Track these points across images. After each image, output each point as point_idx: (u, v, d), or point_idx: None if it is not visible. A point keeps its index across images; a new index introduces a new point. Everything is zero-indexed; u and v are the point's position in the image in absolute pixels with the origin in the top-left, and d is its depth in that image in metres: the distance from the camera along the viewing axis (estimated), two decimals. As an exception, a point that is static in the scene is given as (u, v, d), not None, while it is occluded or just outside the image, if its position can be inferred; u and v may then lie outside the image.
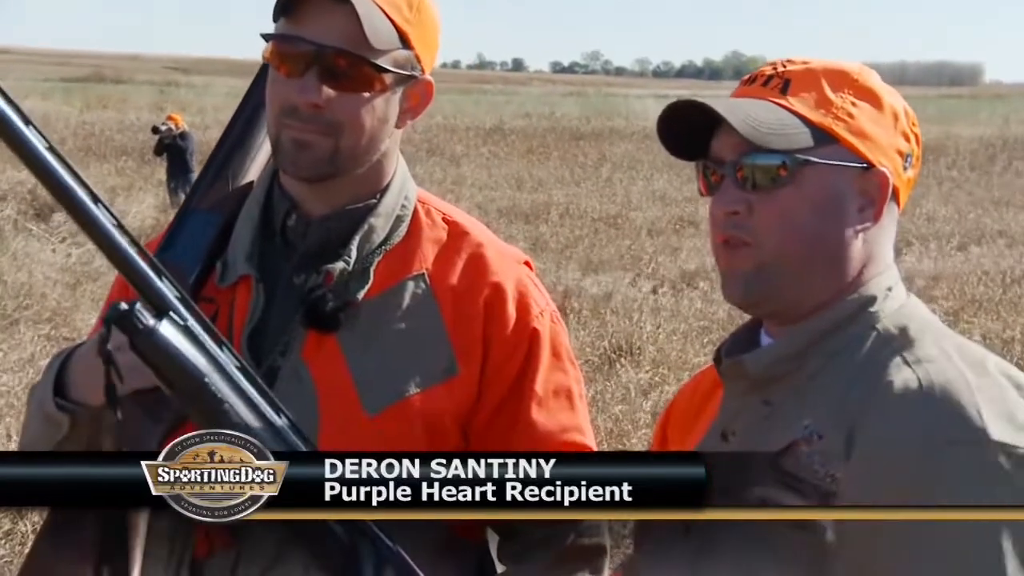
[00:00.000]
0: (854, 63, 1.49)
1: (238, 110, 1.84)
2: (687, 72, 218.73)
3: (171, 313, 1.40)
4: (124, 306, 1.36)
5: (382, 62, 1.65)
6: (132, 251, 1.38)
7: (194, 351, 1.40)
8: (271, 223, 1.75)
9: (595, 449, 1.75)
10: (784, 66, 1.47)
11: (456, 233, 1.77)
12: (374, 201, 1.73)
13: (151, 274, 1.40)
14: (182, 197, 16.15)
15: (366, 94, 1.66)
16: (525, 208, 15.59)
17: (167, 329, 1.39)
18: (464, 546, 1.76)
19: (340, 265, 1.69)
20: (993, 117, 37.51)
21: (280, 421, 1.45)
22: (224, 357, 1.43)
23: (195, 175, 15.08)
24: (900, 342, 1.38)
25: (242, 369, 1.47)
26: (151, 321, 1.38)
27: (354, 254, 1.70)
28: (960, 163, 23.06)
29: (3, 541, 4.85)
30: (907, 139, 1.46)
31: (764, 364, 1.42)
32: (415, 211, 1.77)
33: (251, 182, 1.80)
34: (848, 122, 1.42)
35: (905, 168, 1.46)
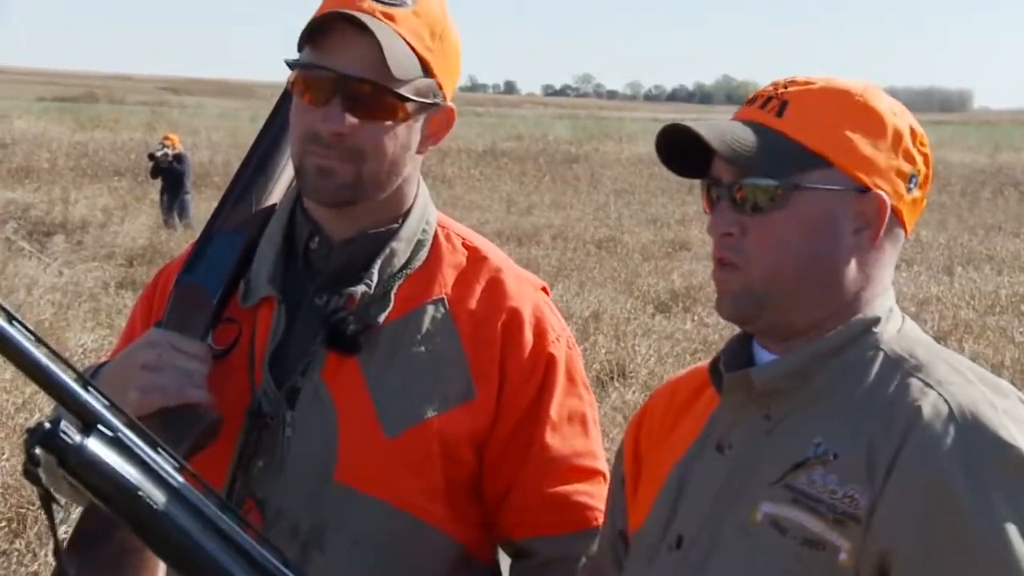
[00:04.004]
0: (859, 81, 1.47)
1: (261, 133, 1.86)
2: (678, 96, 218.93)
3: (99, 425, 1.32)
4: (47, 425, 1.29)
5: (404, 91, 1.66)
6: (52, 365, 1.30)
7: (125, 463, 1.33)
8: (294, 246, 1.77)
9: (607, 473, 1.76)
10: (785, 87, 1.46)
11: (475, 258, 1.79)
12: (396, 226, 1.75)
13: (74, 386, 1.31)
14: (176, 218, 16.04)
15: (388, 122, 1.67)
16: (517, 230, 15.61)
17: (95, 444, 1.31)
18: (476, 566, 1.79)
19: (362, 288, 1.71)
20: (983, 143, 37.64)
21: (227, 521, 1.40)
22: (160, 461, 1.37)
23: (190, 196, 15.05)
24: (912, 364, 1.39)
25: (182, 469, 1.40)
26: (78, 438, 1.29)
27: (375, 278, 1.72)
28: (951, 189, 23.15)
29: (1, 560, 4.85)
30: (911, 159, 1.44)
31: (770, 378, 1.42)
32: (435, 236, 1.79)
33: (274, 204, 1.82)
34: (843, 145, 1.41)
35: (909, 189, 1.44)
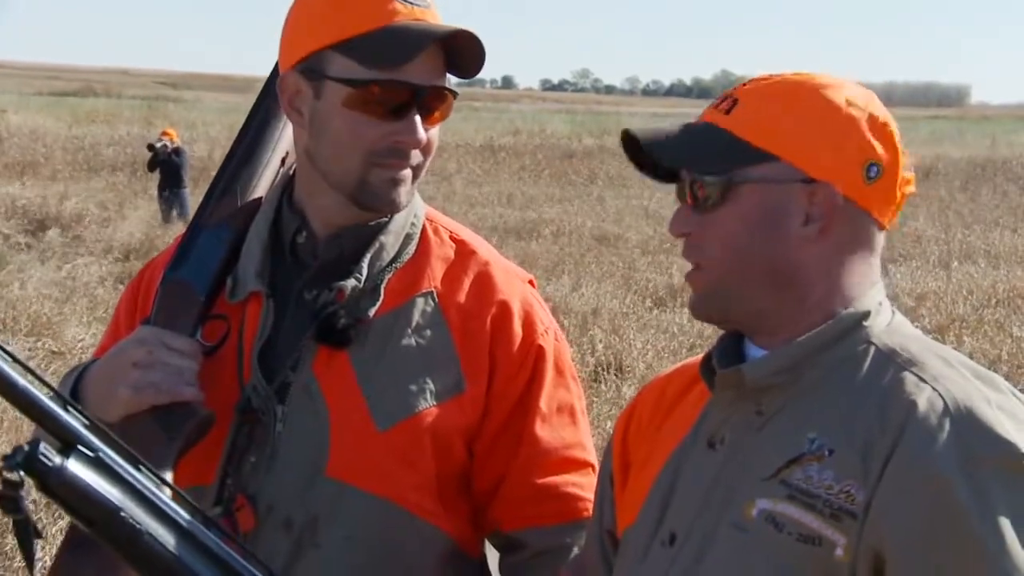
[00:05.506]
0: (818, 75, 1.45)
1: (244, 128, 1.85)
2: (676, 91, 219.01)
3: (79, 446, 1.31)
4: (26, 448, 1.27)
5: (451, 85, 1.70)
6: (30, 386, 1.29)
7: (106, 483, 1.32)
8: (281, 240, 1.77)
9: (596, 465, 1.76)
10: (743, 86, 1.47)
11: (463, 252, 1.79)
12: (385, 219, 1.75)
13: (54, 407, 1.30)
14: (174, 212, 16.06)
15: (442, 120, 1.72)
16: (516, 225, 15.62)
17: (75, 466, 1.29)
18: (465, 561, 1.79)
19: (351, 282, 1.71)
20: (981, 138, 37.67)
21: (212, 536, 1.40)
22: (141, 478, 1.36)
23: (187, 191, 15.06)
24: (904, 358, 1.38)
25: (163, 484, 1.40)
26: (58, 459, 1.28)
27: (365, 271, 1.72)
28: (949, 183, 23.17)
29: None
30: (868, 148, 1.41)
31: (761, 374, 1.42)
32: (423, 229, 1.79)
33: (259, 198, 1.82)
34: (786, 136, 1.40)
35: (869, 178, 1.41)
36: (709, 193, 1.42)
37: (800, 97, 1.42)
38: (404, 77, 1.64)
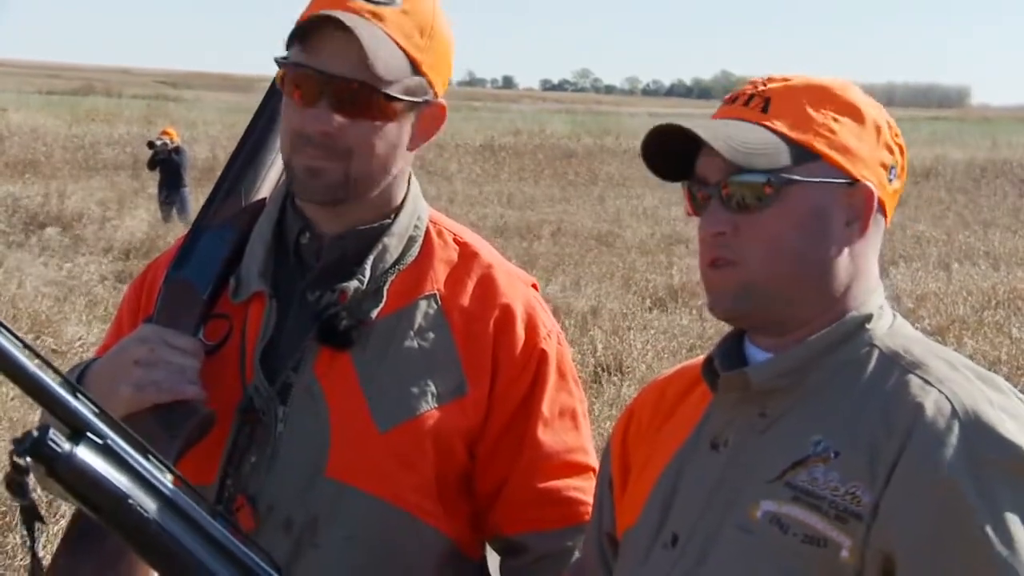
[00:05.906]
0: (835, 78, 1.48)
1: (249, 127, 1.86)
2: (676, 91, 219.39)
3: (88, 433, 1.31)
4: (35, 433, 1.26)
5: (392, 90, 1.66)
6: (40, 372, 1.28)
7: (114, 471, 1.32)
8: (284, 241, 1.77)
9: (596, 468, 1.76)
10: (765, 84, 1.46)
11: (467, 254, 1.79)
12: (388, 221, 1.75)
13: (63, 393, 1.30)
14: (174, 211, 16.05)
15: (377, 122, 1.67)
16: (516, 225, 15.62)
17: (84, 452, 1.29)
18: (465, 562, 1.79)
19: (354, 284, 1.71)
20: (981, 139, 37.68)
21: (218, 527, 1.40)
22: (150, 467, 1.36)
23: (188, 190, 15.07)
24: (908, 361, 1.39)
25: (170, 471, 1.39)
26: (67, 446, 1.27)
27: (368, 273, 1.72)
28: (949, 185, 23.18)
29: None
30: (890, 151, 1.45)
31: (766, 377, 1.42)
32: (427, 232, 1.79)
33: (264, 199, 1.82)
34: (830, 138, 1.41)
35: (890, 180, 1.45)
36: (748, 193, 1.40)
37: (832, 100, 1.44)
38: (310, 62, 1.64)
